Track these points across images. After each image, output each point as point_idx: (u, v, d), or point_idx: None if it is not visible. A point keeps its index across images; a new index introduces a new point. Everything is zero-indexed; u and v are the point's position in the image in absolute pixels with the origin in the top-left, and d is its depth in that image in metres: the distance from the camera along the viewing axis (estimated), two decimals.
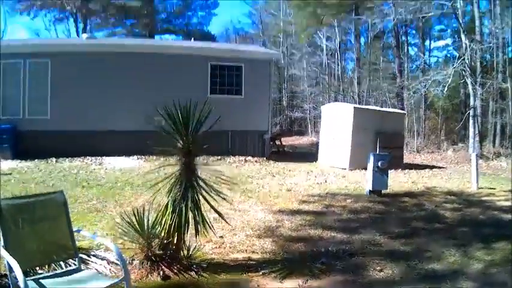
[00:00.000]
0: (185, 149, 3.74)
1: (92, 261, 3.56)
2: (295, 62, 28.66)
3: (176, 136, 3.74)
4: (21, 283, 2.28)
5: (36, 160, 10.11)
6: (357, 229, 5.46)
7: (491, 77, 17.25)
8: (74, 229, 2.98)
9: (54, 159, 10.33)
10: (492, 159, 14.84)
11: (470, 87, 15.87)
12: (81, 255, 3.09)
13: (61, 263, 3.12)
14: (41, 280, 2.60)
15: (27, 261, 2.54)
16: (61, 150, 10.80)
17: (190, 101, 3.67)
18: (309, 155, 14.09)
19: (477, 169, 8.65)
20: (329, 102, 20.94)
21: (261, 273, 3.84)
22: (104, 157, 10.73)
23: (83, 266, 3.04)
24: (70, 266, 3.01)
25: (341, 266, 4.13)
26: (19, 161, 9.96)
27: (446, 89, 15.95)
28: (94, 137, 11.27)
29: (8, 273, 2.61)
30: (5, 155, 10.26)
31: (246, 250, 4.51)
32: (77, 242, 3.01)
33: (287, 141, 18.75)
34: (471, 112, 16.08)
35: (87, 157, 10.74)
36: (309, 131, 25.03)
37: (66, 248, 2.89)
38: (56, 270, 3.05)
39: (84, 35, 15.77)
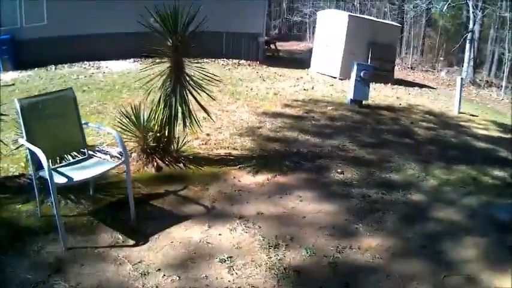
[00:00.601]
0: (174, 46, 4.16)
1: (97, 156, 4.21)
2: None
3: (166, 35, 4.12)
4: (46, 169, 2.81)
5: (36, 69, 10.38)
6: (330, 135, 6.09)
7: (495, 4, 16.78)
8: (82, 122, 3.55)
9: (53, 66, 10.61)
10: (483, 88, 15.12)
11: (470, 10, 15.61)
12: (88, 151, 3.66)
13: (72, 154, 3.70)
14: (57, 169, 3.24)
15: (46, 153, 2.91)
16: (60, 56, 10.95)
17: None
18: (303, 61, 14.37)
19: (460, 93, 8.88)
20: (330, 8, 20.45)
21: (238, 167, 4.56)
22: (101, 61, 11.03)
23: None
24: (79, 157, 3.59)
25: (308, 166, 4.80)
26: (19, 71, 10.21)
27: (446, 7, 15.68)
28: (91, 41, 11.36)
29: (31, 166, 3.15)
30: (6, 66, 10.50)
31: (228, 147, 5.20)
32: None
33: (283, 46, 18.76)
34: (468, 36, 16.01)
35: (85, 62, 11.02)
36: (307, 37, 24.69)
37: (76, 141, 3.50)
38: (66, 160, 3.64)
39: None
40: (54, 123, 3.37)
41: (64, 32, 11.26)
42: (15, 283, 2.55)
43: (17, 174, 4.06)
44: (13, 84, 8.71)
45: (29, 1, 11.44)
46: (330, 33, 12.23)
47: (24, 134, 3.14)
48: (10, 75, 9.64)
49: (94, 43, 11.38)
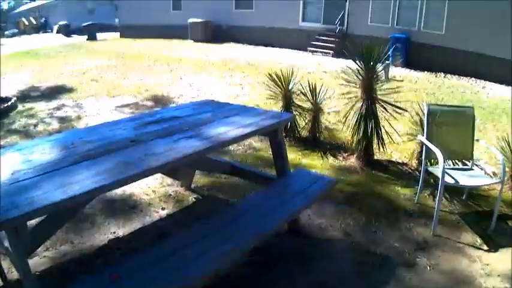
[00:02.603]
0: None
1: (479, 169, 4.33)
2: None
3: None
4: (440, 168, 3.28)
5: (425, 72, 11.13)
6: None
7: None
8: (475, 138, 3.83)
9: (442, 74, 11.14)
10: None
11: None
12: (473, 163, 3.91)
13: (458, 162, 4.07)
14: (447, 170, 3.64)
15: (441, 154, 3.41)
16: (450, 66, 11.42)
17: None
18: None
19: None
20: None
21: None
22: (487, 82, 10.79)
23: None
24: (464, 165, 3.94)
25: None
26: (409, 70, 11.26)
27: None
28: (479, 59, 11.29)
29: (423, 161, 3.71)
30: (396, 62, 11.93)
31: None
32: None
33: None
34: None
35: (473, 78, 11.07)
36: None
37: (466, 152, 3.82)
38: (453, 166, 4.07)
39: None
40: (451, 131, 3.82)
41: (460, 46, 11.60)
42: (384, 246, 3.17)
43: (400, 161, 4.79)
44: (402, 81, 9.79)
45: (431, 9, 12.45)
46: None
47: (425, 133, 3.74)
48: (399, 71, 10.82)
49: (481, 61, 11.23)
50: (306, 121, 5.37)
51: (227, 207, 3.34)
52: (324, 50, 14.25)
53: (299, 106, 5.40)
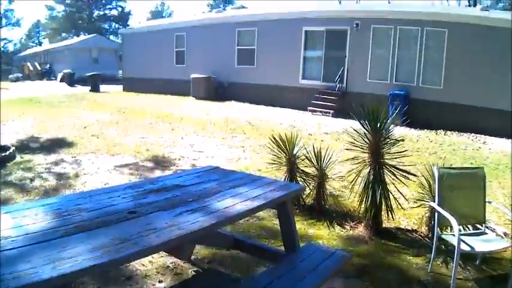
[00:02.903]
0: None
1: (491, 232, 4.16)
2: None
3: None
4: (456, 235, 3.13)
5: (425, 130, 11.10)
6: None
7: None
8: (486, 200, 3.71)
9: (442, 131, 11.14)
10: None
11: None
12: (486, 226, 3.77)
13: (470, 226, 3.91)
14: (460, 236, 3.47)
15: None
16: (449, 122, 11.48)
17: None
18: None
19: None
20: None
21: None
22: (487, 136, 10.86)
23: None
24: (476, 229, 3.77)
25: None
26: (408, 128, 11.21)
27: None
28: (478, 113, 11.43)
29: (436, 228, 3.54)
30: (395, 120, 11.85)
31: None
32: None
33: None
34: None
35: (473, 134, 11.13)
36: None
37: (478, 214, 3.68)
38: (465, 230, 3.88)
39: (478, 6, 15.44)
40: (462, 194, 3.70)
41: (458, 100, 11.70)
42: None
43: (409, 228, 4.59)
44: (403, 140, 9.70)
45: (428, 63, 12.68)
46: None
47: (436, 199, 3.59)
48: (398, 130, 10.71)
49: (480, 115, 11.32)
50: (311, 187, 5.18)
51: (231, 285, 3.09)
52: (324, 110, 14.30)
53: (303, 172, 5.24)
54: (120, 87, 23.57)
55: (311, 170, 5.18)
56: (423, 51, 12.85)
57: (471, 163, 7.95)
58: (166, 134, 9.75)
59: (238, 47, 17.88)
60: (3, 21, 54.15)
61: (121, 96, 19.37)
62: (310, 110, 14.68)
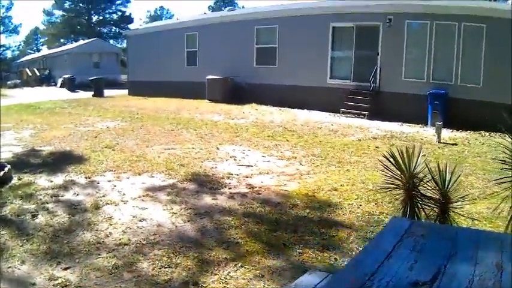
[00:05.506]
0: None
1: None
2: None
3: None
4: None
5: (469, 131, 9.89)
6: None
7: None
8: None
9: (485, 132, 9.77)
10: None
11: None
12: None
13: None
14: None
15: None
16: (491, 123, 10.06)
17: None
18: None
19: None
20: None
21: None
22: None
23: None
24: None
25: None
26: (451, 130, 9.91)
27: None
28: None
29: None
30: (435, 121, 10.39)
31: None
32: None
33: None
34: None
35: None
36: None
37: None
38: None
39: None
40: None
41: (497, 99, 10.35)
42: None
43: None
44: (456, 144, 8.27)
45: (466, 60, 11.34)
46: None
47: None
48: (443, 133, 9.25)
49: None
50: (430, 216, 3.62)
51: None
52: (358, 111, 12.77)
53: (423, 196, 3.67)
54: (124, 91, 21.92)
55: (431, 193, 3.70)
56: (460, 48, 11.52)
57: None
58: (196, 144, 8.00)
59: (257, 46, 16.30)
60: (1, 28, 52.48)
61: (128, 101, 17.62)
62: (342, 112, 13.12)
